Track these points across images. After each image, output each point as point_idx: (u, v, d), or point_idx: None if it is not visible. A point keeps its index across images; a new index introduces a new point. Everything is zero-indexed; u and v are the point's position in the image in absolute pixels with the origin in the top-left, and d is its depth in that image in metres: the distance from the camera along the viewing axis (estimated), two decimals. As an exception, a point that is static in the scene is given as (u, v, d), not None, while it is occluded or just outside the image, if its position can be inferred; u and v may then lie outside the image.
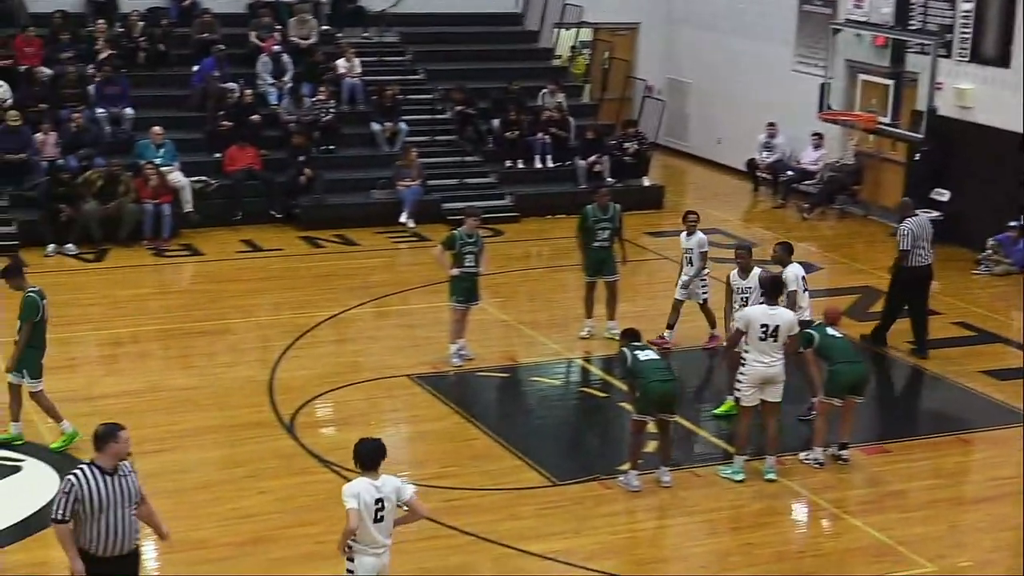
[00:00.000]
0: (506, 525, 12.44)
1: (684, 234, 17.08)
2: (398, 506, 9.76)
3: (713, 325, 17.08)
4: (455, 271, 16.24)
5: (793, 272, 15.10)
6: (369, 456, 9.73)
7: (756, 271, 14.93)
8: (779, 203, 25.70)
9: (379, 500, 9.57)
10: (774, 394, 13.49)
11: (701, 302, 17.14)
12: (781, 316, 13.46)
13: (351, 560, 9.69)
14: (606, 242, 17.33)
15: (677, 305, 17.14)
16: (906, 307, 17.53)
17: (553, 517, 12.72)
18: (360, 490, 9.56)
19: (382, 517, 9.61)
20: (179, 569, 11.59)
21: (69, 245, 20.79)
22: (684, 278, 17.02)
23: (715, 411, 15.21)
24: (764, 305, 13.53)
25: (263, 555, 11.77)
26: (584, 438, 15.23)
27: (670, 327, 17.12)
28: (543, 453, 14.19)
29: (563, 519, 12.69)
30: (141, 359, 16.96)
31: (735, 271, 15.24)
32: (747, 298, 14.79)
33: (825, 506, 13.24)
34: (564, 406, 16.11)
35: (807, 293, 15.31)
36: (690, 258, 16.97)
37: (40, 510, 12.29)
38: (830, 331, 13.99)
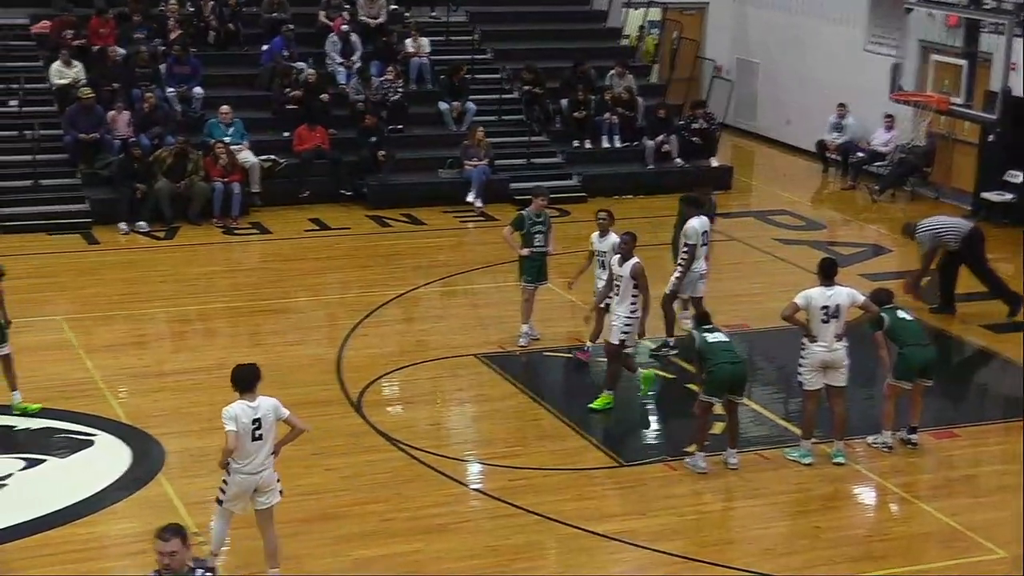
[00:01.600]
0: (571, 505, 12.44)
1: (596, 235, 15.60)
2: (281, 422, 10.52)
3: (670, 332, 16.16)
4: (524, 251, 16.22)
5: (693, 227, 15.44)
6: (245, 379, 10.54)
7: (612, 236, 14.97)
8: (849, 185, 25.46)
9: (256, 420, 10.38)
10: (837, 378, 13.38)
11: (699, 296, 16.05)
12: (839, 295, 13.34)
13: (227, 477, 10.53)
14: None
15: (599, 314, 15.38)
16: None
17: (619, 498, 12.72)
18: (237, 412, 10.36)
19: (260, 435, 10.41)
20: (246, 544, 11.66)
21: (141, 223, 21.01)
22: (600, 284, 15.28)
23: (591, 405, 14.65)
24: (821, 287, 13.40)
25: (329, 532, 11.85)
26: (650, 419, 15.19)
27: (592, 339, 15.64)
28: (609, 433, 14.18)
29: (629, 500, 12.68)
30: (210, 336, 17.12)
31: (596, 233, 15.43)
32: (603, 260, 15.01)
33: (894, 490, 13.13)
34: (630, 387, 16.06)
35: (705, 247, 15.77)
36: (603, 261, 15.28)
37: (111, 485, 12.46)
38: (900, 313, 13.84)
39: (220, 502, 10.73)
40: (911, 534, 12.37)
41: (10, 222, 20.71)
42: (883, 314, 13.74)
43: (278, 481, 10.76)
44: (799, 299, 13.31)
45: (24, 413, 13.89)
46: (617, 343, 14.51)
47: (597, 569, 11.58)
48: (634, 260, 14.27)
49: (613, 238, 15.03)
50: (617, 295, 14.44)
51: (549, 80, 25.26)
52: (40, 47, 23.78)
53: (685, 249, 15.78)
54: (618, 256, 14.50)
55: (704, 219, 16.03)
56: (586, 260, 15.85)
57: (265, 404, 10.50)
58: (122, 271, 19.33)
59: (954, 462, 13.80)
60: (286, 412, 10.63)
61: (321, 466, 13.11)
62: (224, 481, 10.62)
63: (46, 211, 21.05)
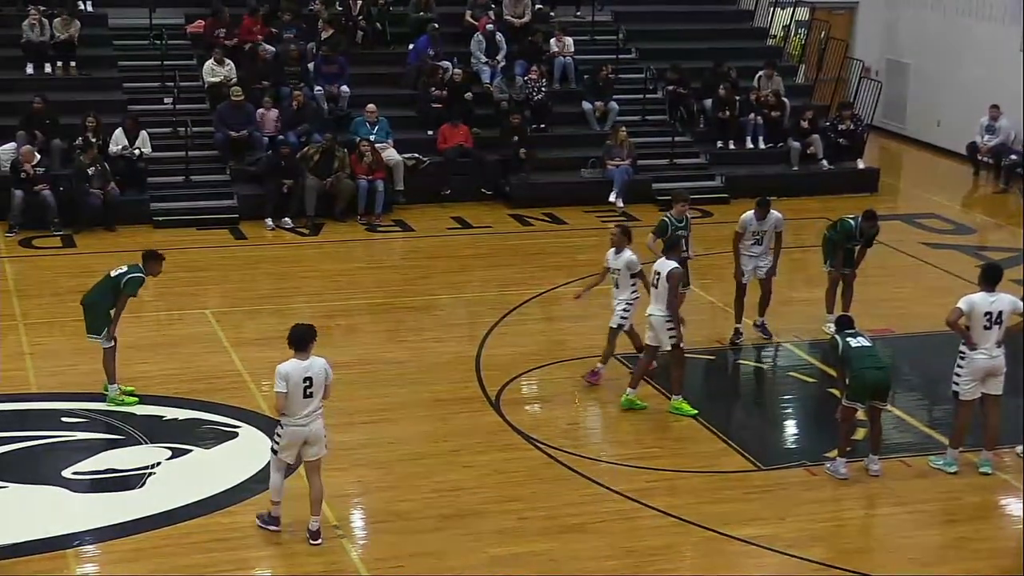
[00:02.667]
0: (708, 508, 12.34)
1: (612, 252, 14.97)
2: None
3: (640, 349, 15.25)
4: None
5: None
6: (300, 339, 11.32)
7: (628, 253, 14.72)
8: (1001, 188, 24.86)
9: (307, 378, 11.17)
10: (996, 387, 13.04)
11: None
12: (1001, 301, 13.00)
13: (280, 430, 11.36)
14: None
15: (612, 335, 15.09)
16: None
17: (757, 502, 12.57)
18: (289, 371, 11.16)
19: (311, 393, 11.21)
20: (384, 539, 11.82)
21: (286, 219, 21.36)
22: (616, 302, 14.88)
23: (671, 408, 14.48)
24: (983, 292, 13.06)
25: (466, 529, 11.91)
26: (790, 423, 15.01)
27: (604, 361, 15.18)
28: (748, 437, 14.04)
29: (767, 504, 12.53)
30: (352, 332, 17.32)
31: (612, 250, 14.96)
32: (617, 280, 14.71)
33: (1043, 503, 12.78)
34: (771, 390, 15.90)
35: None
36: (617, 280, 14.84)
37: (252, 476, 12.68)
38: None
39: (275, 452, 11.49)
40: (1060, 548, 12.02)
41: (163, 216, 21.22)
42: None
43: (325, 437, 11.47)
44: (962, 304, 12.96)
45: (121, 405, 14.17)
46: (616, 327, 14.95)
47: (734, 573, 11.48)
48: (628, 253, 14.67)
49: (628, 255, 14.76)
50: (616, 287, 14.94)
51: (693, 80, 25.09)
52: (194, 46, 24.33)
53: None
54: (612, 249, 14.94)
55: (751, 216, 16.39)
56: (599, 276, 15.38)
57: (316, 364, 11.28)
58: (268, 266, 19.68)
59: (1107, 475, 13.38)
60: (331, 376, 11.45)
61: (459, 463, 13.19)
62: (277, 434, 11.42)
63: (196, 207, 21.54)
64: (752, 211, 16.38)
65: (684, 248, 15.97)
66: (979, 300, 12.96)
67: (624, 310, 14.93)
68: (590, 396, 15.28)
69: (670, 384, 14.63)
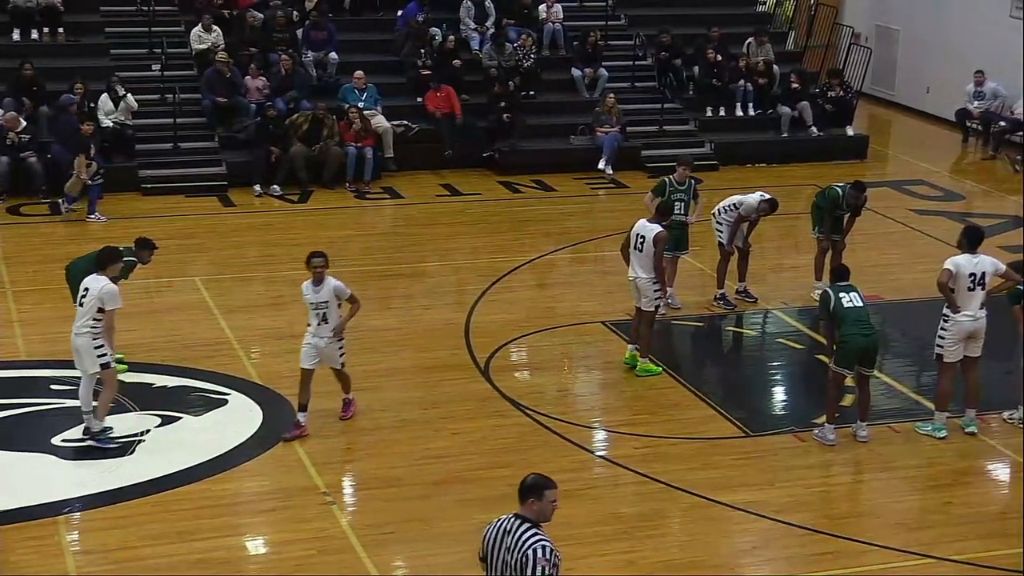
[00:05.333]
0: (698, 475, 12.39)
1: (310, 283, 12.84)
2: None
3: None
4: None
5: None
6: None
7: (331, 283, 12.72)
8: (990, 155, 24.86)
9: (323, 303, 12.70)
10: (976, 349, 13.17)
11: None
12: (984, 262, 13.12)
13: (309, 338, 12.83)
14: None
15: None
16: None
17: (746, 468, 12.62)
18: (307, 294, 12.78)
19: (325, 317, 12.75)
20: (374, 506, 11.85)
21: (275, 186, 21.33)
22: (313, 338, 12.90)
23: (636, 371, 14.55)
24: (967, 254, 13.11)
25: (456, 495, 11.94)
26: (779, 390, 15.06)
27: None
28: (737, 404, 14.08)
29: (756, 471, 12.57)
30: (342, 299, 17.29)
31: (307, 282, 12.81)
32: (324, 313, 12.70)
33: (1029, 468, 12.84)
34: (760, 357, 15.95)
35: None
36: (322, 314, 12.84)
37: (243, 443, 12.71)
38: None
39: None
40: (1046, 512, 12.09)
41: (150, 183, 21.16)
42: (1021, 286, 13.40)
43: (340, 352, 12.94)
44: (949, 265, 13.03)
45: None
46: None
47: (723, 539, 11.53)
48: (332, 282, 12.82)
49: (332, 284, 12.78)
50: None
51: (683, 47, 25.03)
52: (182, 12, 24.20)
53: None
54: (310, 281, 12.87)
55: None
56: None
57: (328, 286, 12.65)
58: (257, 234, 19.66)
59: (1093, 440, 13.45)
60: (348, 291, 12.81)
61: (448, 430, 13.23)
62: (304, 344, 12.81)
63: (185, 173, 21.49)
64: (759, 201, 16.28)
65: (683, 212, 16.01)
66: (963, 262, 13.03)
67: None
68: (579, 363, 15.32)
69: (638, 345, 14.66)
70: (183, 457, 12.47)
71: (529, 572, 7.33)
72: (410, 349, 15.31)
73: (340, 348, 13.00)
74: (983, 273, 13.02)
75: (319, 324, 12.86)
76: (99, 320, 12.38)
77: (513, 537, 7.50)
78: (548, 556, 7.39)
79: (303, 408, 12.91)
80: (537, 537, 7.45)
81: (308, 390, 12.90)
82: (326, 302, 12.78)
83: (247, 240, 19.33)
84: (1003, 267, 13.27)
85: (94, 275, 12.58)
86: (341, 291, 12.84)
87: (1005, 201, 22.07)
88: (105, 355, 12.45)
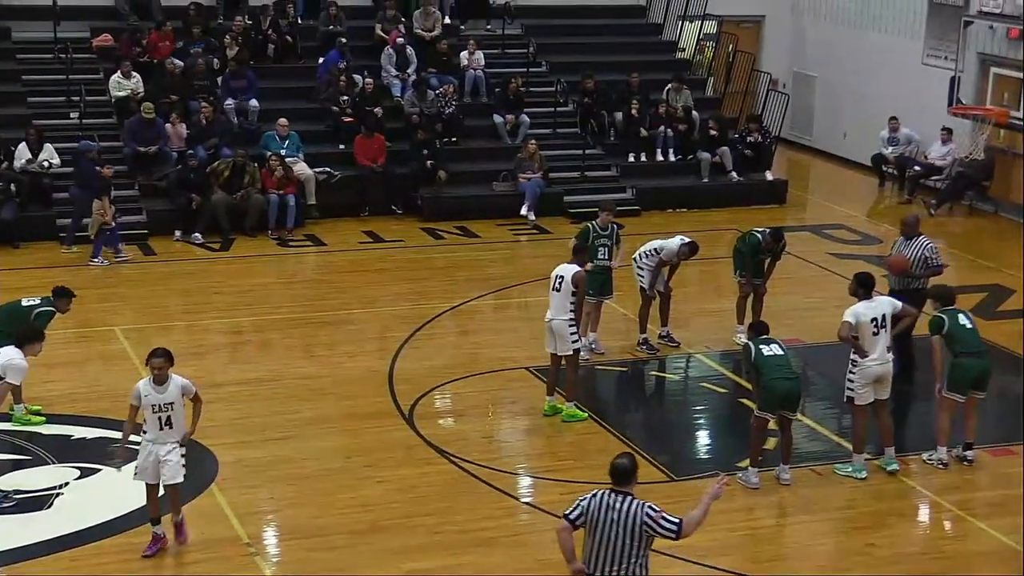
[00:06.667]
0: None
1: (149, 383, 11.45)
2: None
3: None
4: (588, 265, 16.10)
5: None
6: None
7: (172, 380, 11.49)
8: (906, 199, 25.26)
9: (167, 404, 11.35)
10: (885, 391, 13.39)
11: None
12: (882, 304, 13.39)
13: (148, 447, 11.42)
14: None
15: None
16: None
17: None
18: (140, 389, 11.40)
19: (168, 420, 11.36)
20: (297, 555, 11.74)
21: (196, 234, 21.18)
22: (153, 447, 11.47)
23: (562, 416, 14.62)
24: (864, 301, 13.34)
25: (380, 544, 11.87)
26: (702, 434, 15.13)
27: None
28: (661, 448, 14.12)
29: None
30: (264, 348, 17.21)
31: (146, 381, 11.52)
32: (168, 416, 11.40)
33: (948, 507, 13.00)
34: (683, 401, 16.02)
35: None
36: (165, 418, 11.44)
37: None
38: (961, 319, 13.64)
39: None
40: (966, 552, 12.24)
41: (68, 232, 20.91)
42: (943, 316, 13.58)
43: (183, 463, 11.58)
44: (849, 316, 13.27)
45: (27, 424, 13.97)
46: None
47: (648, 584, 11.52)
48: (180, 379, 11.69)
49: (178, 382, 11.53)
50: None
51: (605, 93, 25.22)
52: (100, 60, 24.04)
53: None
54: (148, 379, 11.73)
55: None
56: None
57: (174, 385, 11.44)
58: (178, 282, 19.50)
59: (1011, 479, 13.61)
60: (194, 388, 11.64)
61: (373, 479, 13.15)
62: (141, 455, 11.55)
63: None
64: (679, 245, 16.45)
65: (606, 257, 16.11)
66: (863, 309, 13.26)
67: None
68: (504, 409, 15.32)
69: (564, 389, 14.70)
70: (103, 510, 12.29)
71: (659, 527, 8.96)
72: (333, 397, 15.23)
73: (183, 458, 11.57)
74: (883, 315, 13.24)
75: (160, 430, 11.37)
76: None
77: (621, 510, 8.95)
78: (658, 508, 9.00)
79: (156, 521, 11.62)
80: (643, 502, 9.02)
81: (157, 503, 11.58)
82: (171, 403, 11.38)
83: (168, 289, 19.16)
84: (900, 305, 13.56)
85: (11, 346, 12.45)
86: (188, 389, 11.50)
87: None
88: None
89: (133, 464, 11.63)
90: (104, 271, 19.66)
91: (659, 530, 8.96)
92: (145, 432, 11.45)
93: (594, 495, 9.04)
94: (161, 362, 11.39)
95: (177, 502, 11.65)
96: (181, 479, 11.52)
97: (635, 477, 9.18)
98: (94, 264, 19.81)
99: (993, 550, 12.16)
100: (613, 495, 9.01)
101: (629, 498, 9.00)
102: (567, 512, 9.13)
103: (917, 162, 25.46)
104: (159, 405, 11.33)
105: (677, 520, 9.01)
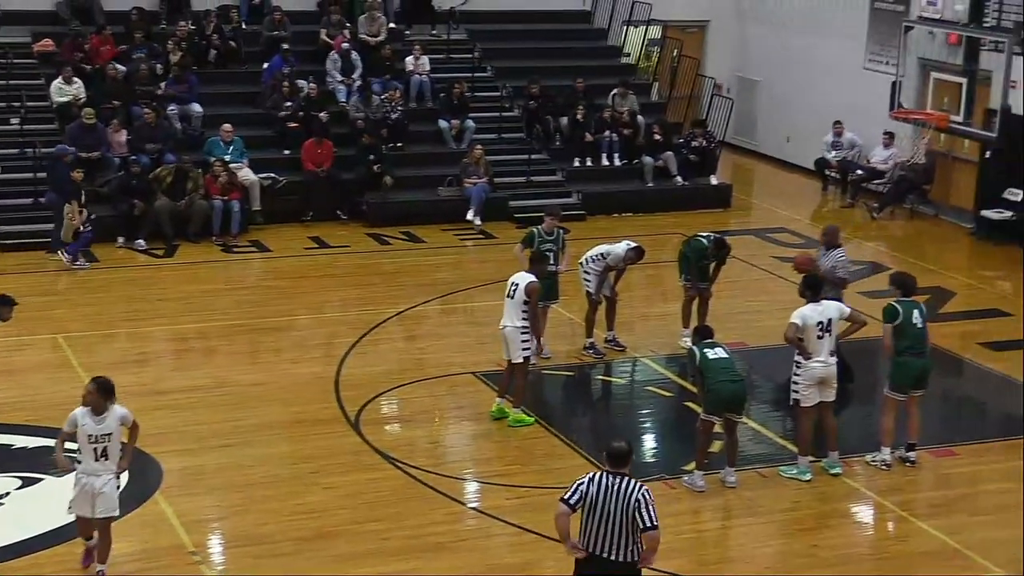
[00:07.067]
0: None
1: (86, 412, 10.93)
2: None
3: None
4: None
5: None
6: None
7: (111, 410, 10.94)
8: (848, 203, 25.47)
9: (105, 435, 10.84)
10: (830, 394, 13.50)
11: None
12: (829, 309, 13.48)
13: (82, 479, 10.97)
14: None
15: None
16: None
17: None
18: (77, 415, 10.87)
19: (105, 451, 10.86)
20: (244, 563, 11.68)
21: (139, 240, 21.02)
22: (88, 479, 11.02)
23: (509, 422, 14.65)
24: (811, 304, 13.43)
25: (327, 551, 11.83)
26: (649, 437, 15.18)
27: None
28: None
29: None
30: (209, 354, 17.11)
31: (84, 409, 10.96)
32: (104, 448, 10.90)
33: (892, 509, 13.11)
34: (629, 405, 16.07)
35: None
36: (102, 448, 10.98)
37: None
38: (915, 316, 13.68)
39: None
40: (909, 552, 12.34)
41: (10, 240, 20.72)
42: (899, 307, 13.67)
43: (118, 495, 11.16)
44: (796, 318, 13.36)
45: None
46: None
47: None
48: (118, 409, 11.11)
49: (117, 412, 10.99)
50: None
51: (550, 98, 25.27)
52: (42, 65, 23.82)
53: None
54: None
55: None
56: None
57: (114, 415, 10.92)
58: (121, 289, 19.33)
59: (952, 480, 13.78)
60: (132, 417, 11.06)
61: (319, 485, 13.10)
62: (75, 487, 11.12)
63: (46, 229, 21.03)
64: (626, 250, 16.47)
65: (552, 262, 16.13)
66: (809, 312, 13.36)
67: None
68: (451, 414, 15.31)
69: (512, 395, 14.71)
70: (45, 520, 12.16)
71: (643, 512, 9.30)
72: (279, 403, 15.16)
73: (119, 490, 11.10)
74: (829, 320, 13.35)
75: (96, 460, 10.86)
76: None
77: (620, 490, 9.35)
78: (652, 496, 9.41)
79: (89, 537, 11.28)
80: (638, 483, 9.42)
81: (90, 526, 11.17)
82: (109, 434, 10.87)
83: (111, 296, 18.99)
84: (848, 310, 13.66)
85: None
86: (126, 419, 10.98)
87: (863, 247, 22.59)
88: None
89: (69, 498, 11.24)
90: (45, 278, 19.47)
91: (643, 513, 9.31)
92: (79, 463, 10.98)
93: (591, 478, 9.44)
94: (93, 388, 10.88)
95: (108, 544, 11.08)
96: (117, 512, 11.10)
97: (631, 459, 9.57)
98: (76, 268, 19.80)
99: (936, 550, 12.27)
100: (611, 476, 9.40)
101: (627, 479, 9.40)
102: (565, 497, 9.44)
103: (859, 166, 25.68)
104: (96, 436, 10.84)
105: (658, 524, 9.40)
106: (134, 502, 12.49)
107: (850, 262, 16.13)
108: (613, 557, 9.42)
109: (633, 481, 9.43)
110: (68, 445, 11.23)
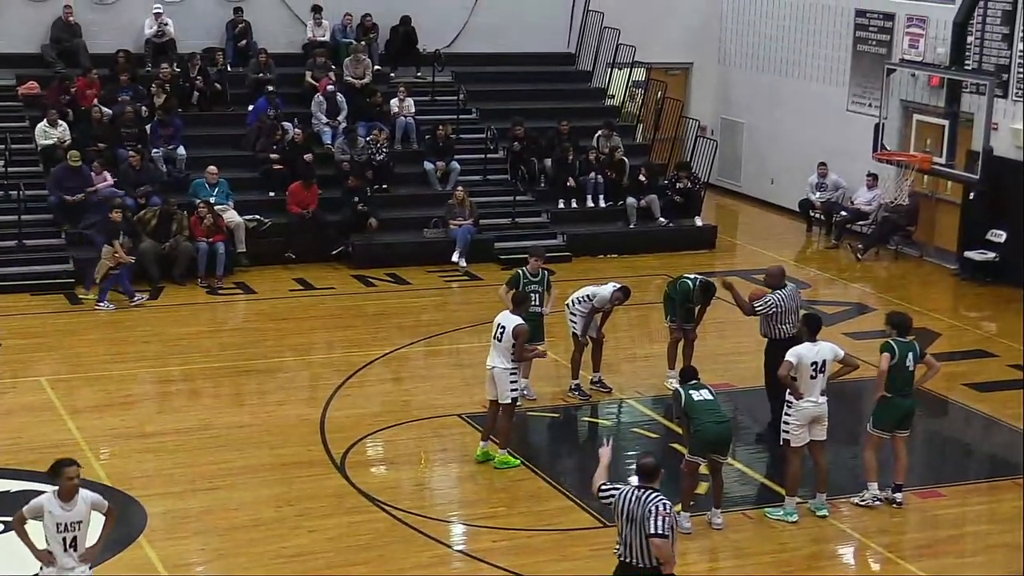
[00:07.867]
0: (556, 566, 12.38)
1: (54, 497, 10.05)
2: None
3: None
4: None
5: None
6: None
7: (82, 495, 10.08)
8: (832, 244, 25.55)
9: (75, 523, 9.83)
10: (821, 433, 13.51)
11: None
12: (824, 350, 13.50)
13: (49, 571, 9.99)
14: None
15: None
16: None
17: (603, 559, 12.56)
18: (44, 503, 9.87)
19: (75, 542, 9.85)
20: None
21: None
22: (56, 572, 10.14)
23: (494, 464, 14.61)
24: (807, 343, 13.47)
25: (313, 594, 11.78)
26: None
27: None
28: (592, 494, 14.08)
29: (614, 561, 12.55)
30: (194, 397, 17.06)
31: (51, 495, 10.07)
32: (74, 537, 9.99)
33: (878, 550, 13.10)
34: (616, 447, 15.98)
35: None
36: (71, 538, 10.09)
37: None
38: (908, 359, 13.66)
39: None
40: (897, 595, 12.33)
41: (-6, 282, 20.69)
42: (895, 347, 13.68)
43: None
44: (791, 357, 13.38)
45: None
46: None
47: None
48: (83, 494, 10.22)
49: (89, 497, 10.18)
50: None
51: (535, 140, 25.36)
52: (27, 108, 23.83)
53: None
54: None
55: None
56: None
57: (85, 502, 10.03)
58: (106, 331, 19.27)
59: (939, 522, 13.77)
60: (106, 503, 10.23)
61: (305, 528, 13.05)
62: None
63: (30, 271, 21.01)
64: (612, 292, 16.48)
65: (537, 303, 16.14)
66: (805, 351, 13.38)
67: None
68: (436, 457, 15.27)
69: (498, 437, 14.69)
70: (28, 563, 12.05)
71: (652, 520, 9.73)
72: (264, 446, 15.10)
73: None
74: (823, 361, 13.38)
75: (64, 551, 9.92)
76: None
77: (641, 501, 9.88)
78: (668, 509, 9.81)
79: None
80: (659, 496, 9.89)
81: None
82: (79, 522, 9.92)
83: (96, 338, 18.93)
84: (842, 353, 13.68)
85: None
86: (99, 504, 10.10)
87: (848, 289, 22.66)
88: None
89: None
90: (29, 320, 19.41)
91: (651, 520, 9.75)
92: (48, 552, 10.03)
93: (622, 492, 10.05)
94: (74, 470, 9.94)
95: None
96: None
97: (660, 475, 10.10)
98: (100, 308, 19.82)
99: (923, 592, 12.26)
100: (640, 490, 9.96)
101: (654, 493, 9.89)
102: (604, 487, 10.31)
103: (843, 207, 25.77)
104: (65, 524, 9.85)
105: (667, 533, 9.77)
106: (118, 546, 12.40)
107: (792, 299, 15.93)
108: (640, 565, 9.90)
109: (655, 494, 9.89)
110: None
